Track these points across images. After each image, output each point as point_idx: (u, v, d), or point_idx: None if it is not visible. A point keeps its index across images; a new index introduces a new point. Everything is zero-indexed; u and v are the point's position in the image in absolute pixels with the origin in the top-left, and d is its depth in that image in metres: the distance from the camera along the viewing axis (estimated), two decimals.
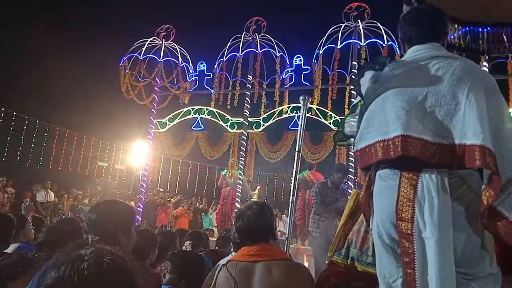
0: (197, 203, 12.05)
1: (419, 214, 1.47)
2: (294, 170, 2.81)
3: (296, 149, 2.85)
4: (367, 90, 1.73)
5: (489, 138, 1.39)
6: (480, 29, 3.31)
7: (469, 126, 1.43)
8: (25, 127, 12.00)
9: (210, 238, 7.75)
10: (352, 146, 1.78)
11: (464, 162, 1.44)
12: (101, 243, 1.71)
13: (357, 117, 1.79)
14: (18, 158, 12.10)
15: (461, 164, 1.46)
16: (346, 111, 8.24)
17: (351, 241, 2.11)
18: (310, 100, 3.03)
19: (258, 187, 10.07)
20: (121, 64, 9.46)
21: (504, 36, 3.31)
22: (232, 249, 2.94)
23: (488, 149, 1.38)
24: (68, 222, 2.44)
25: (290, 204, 2.78)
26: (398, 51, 7.75)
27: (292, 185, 2.84)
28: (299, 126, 2.86)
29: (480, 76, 1.56)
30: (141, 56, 9.36)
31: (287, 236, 2.68)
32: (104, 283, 0.89)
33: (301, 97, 2.87)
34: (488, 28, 3.28)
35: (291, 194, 2.79)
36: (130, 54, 9.48)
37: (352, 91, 8.15)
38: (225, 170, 9.39)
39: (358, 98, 1.87)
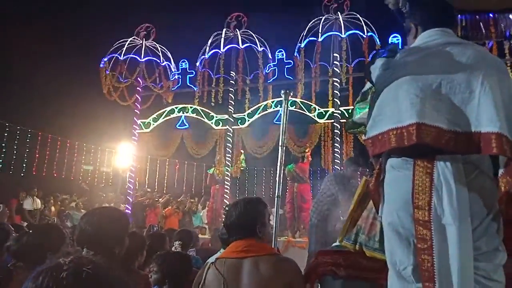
0: (188, 202, 11.99)
1: (437, 201, 1.48)
2: (278, 164, 2.82)
3: (280, 144, 2.86)
4: (378, 77, 1.71)
5: (506, 125, 1.40)
6: (459, 16, 3.36)
7: (485, 114, 1.44)
8: (5, 134, 11.75)
9: (201, 236, 7.76)
10: (364, 134, 1.76)
11: (479, 150, 1.44)
12: (96, 257, 1.69)
13: (367, 104, 1.78)
14: (0, 165, 11.85)
15: (476, 152, 1.47)
16: (330, 104, 8.30)
17: (360, 227, 2.14)
18: (291, 94, 3.03)
19: (242, 151, 9.73)
20: (101, 65, 9.32)
21: (481, 23, 3.37)
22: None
23: (505, 137, 1.39)
24: (45, 229, 2.38)
25: (276, 198, 2.79)
26: (378, 42, 7.83)
27: (277, 179, 2.85)
28: (282, 119, 2.87)
29: (493, 63, 1.57)
30: (122, 56, 9.23)
31: (274, 230, 2.70)
32: None
33: (282, 91, 2.88)
34: (467, 16, 3.33)
35: (277, 188, 2.80)
36: (111, 55, 9.35)
37: (335, 83, 8.21)
38: (212, 169, 9.38)
39: (368, 85, 1.84)
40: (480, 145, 1.44)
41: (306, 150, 8.32)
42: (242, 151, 9.29)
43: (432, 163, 1.51)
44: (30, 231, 2.33)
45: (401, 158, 1.60)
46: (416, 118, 1.49)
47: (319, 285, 2.20)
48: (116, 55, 9.27)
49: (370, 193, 1.87)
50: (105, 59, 9.31)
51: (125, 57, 9.24)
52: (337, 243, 2.27)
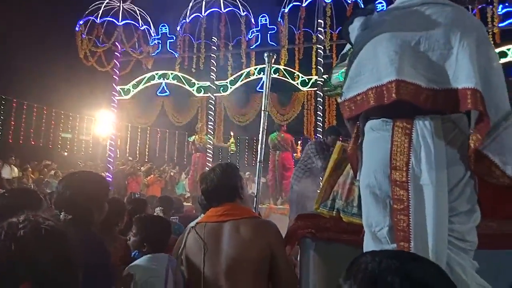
0: (169, 171, 11.94)
1: (415, 162, 1.47)
2: (261, 129, 2.78)
3: (262, 109, 2.82)
4: (356, 37, 1.67)
5: (480, 82, 1.40)
6: None
7: (462, 70, 1.44)
8: None
9: (185, 204, 7.77)
10: (340, 97, 1.71)
11: (457, 106, 1.44)
12: (75, 221, 1.65)
13: (345, 66, 1.73)
14: None
15: (454, 109, 1.47)
16: (313, 71, 8.22)
17: (336, 193, 2.13)
18: (275, 58, 2.96)
19: (232, 133, 9.64)
20: (77, 28, 8.91)
21: None
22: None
23: (479, 92, 1.39)
24: (21, 192, 2.30)
25: (258, 163, 2.77)
26: (363, 7, 7.68)
27: (259, 144, 2.82)
28: (265, 84, 2.81)
29: (471, 22, 1.57)
30: (98, 19, 8.83)
31: (255, 194, 2.70)
32: (43, 250, 0.85)
33: (265, 54, 2.81)
34: None
35: (259, 153, 2.78)
36: (87, 18, 8.93)
37: (319, 50, 8.10)
38: (193, 137, 9.31)
39: (348, 47, 1.79)
40: (457, 102, 1.44)
41: (299, 144, 8.04)
42: (232, 133, 9.12)
43: (411, 123, 1.50)
44: (6, 194, 2.24)
45: (380, 119, 1.58)
46: (395, 75, 1.47)
47: (298, 247, 2.22)
48: (92, 17, 8.86)
49: (348, 157, 1.85)
50: (81, 22, 8.91)
51: (101, 20, 8.85)
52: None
